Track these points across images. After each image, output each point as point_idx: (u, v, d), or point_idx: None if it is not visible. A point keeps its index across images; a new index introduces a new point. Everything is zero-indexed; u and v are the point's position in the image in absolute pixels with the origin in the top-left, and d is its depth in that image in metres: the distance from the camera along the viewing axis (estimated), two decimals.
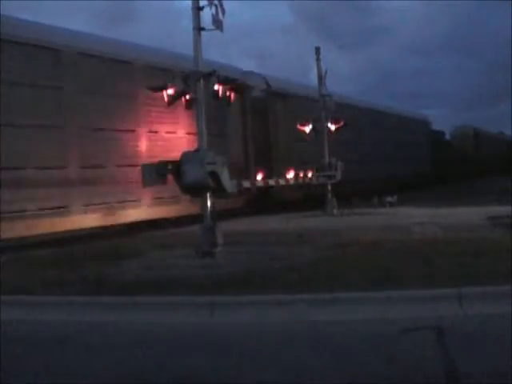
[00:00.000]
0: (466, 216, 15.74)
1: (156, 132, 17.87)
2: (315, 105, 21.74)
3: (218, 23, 11.18)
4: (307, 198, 22.81)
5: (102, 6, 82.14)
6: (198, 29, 11.18)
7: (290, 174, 20.76)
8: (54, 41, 15.20)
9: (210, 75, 11.13)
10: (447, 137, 52.46)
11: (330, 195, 20.83)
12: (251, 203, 21.37)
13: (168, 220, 17.92)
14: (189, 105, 11.26)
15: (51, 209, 14.51)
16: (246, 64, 39.43)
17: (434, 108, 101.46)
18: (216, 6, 11.12)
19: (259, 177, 19.15)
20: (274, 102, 24.30)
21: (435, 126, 46.61)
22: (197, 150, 11.26)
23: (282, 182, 19.63)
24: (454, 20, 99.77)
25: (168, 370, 5.24)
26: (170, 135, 18.23)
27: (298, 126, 22.00)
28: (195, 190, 11.42)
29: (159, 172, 11.05)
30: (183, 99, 11.21)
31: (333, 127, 21.69)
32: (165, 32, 72.37)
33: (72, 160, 15.30)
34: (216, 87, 11.08)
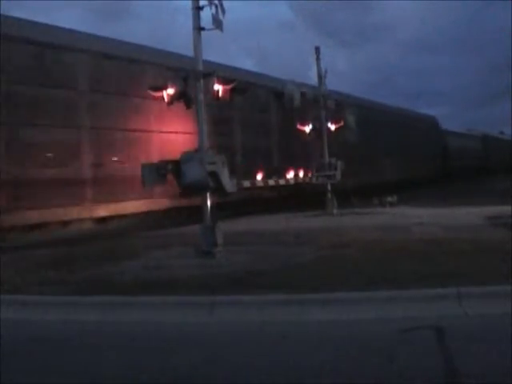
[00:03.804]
0: (466, 216, 15.74)
1: None
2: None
3: (218, 23, 11.15)
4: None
5: (98, 2, 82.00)
6: (198, 29, 11.15)
7: (290, 174, 20.75)
8: None
9: (210, 75, 11.11)
10: None
11: (329, 195, 20.80)
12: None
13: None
14: (188, 105, 11.24)
15: None
16: (245, 63, 39.43)
17: (434, 107, 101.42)
18: (216, 5, 11.10)
19: (259, 177, 19.14)
20: None
21: None
22: (197, 150, 11.21)
23: (281, 181, 19.62)
24: (455, 18, 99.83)
25: (168, 369, 5.24)
26: None
27: (298, 126, 21.95)
28: (195, 190, 11.39)
29: (159, 172, 11.00)
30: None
31: (332, 127, 21.67)
32: (162, 30, 72.27)
33: None
34: (216, 87, 11.06)
